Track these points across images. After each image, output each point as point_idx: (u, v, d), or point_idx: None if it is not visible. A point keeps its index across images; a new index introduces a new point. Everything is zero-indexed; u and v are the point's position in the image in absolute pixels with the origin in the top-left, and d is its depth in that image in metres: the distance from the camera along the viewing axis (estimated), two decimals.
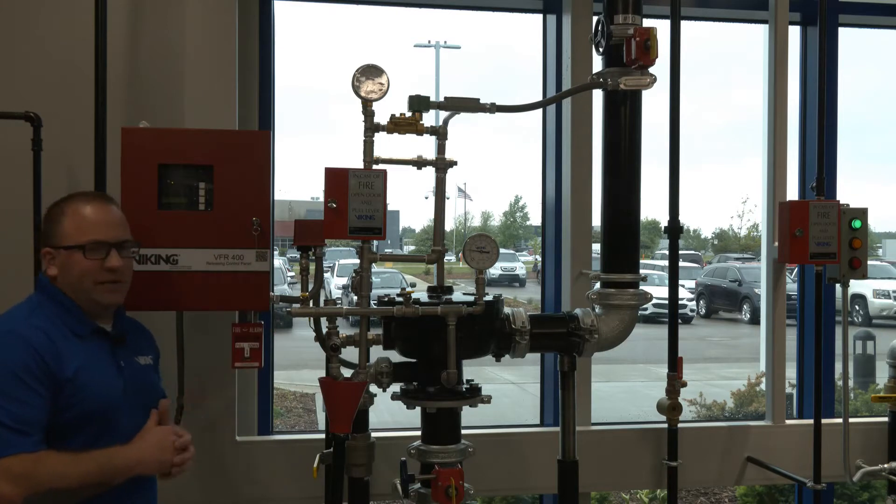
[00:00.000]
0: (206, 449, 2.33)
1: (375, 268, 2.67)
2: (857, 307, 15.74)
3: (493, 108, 2.56)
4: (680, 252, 3.37)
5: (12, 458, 1.81)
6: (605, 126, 2.76)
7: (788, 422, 3.67)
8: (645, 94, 2.74)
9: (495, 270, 22.12)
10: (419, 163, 2.50)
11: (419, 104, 2.48)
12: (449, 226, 22.69)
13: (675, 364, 3.24)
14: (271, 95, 3.42)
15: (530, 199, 39.31)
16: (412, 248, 37.44)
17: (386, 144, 2.49)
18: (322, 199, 2.39)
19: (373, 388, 2.56)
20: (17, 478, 1.80)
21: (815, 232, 3.35)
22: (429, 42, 30.19)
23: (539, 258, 4.50)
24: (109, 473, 1.91)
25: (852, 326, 6.88)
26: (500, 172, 54.91)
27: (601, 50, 2.71)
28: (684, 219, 3.28)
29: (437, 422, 2.52)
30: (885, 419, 3.58)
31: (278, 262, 16.09)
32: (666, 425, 3.34)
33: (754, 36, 3.89)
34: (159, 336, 2.42)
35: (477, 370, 7.13)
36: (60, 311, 2.04)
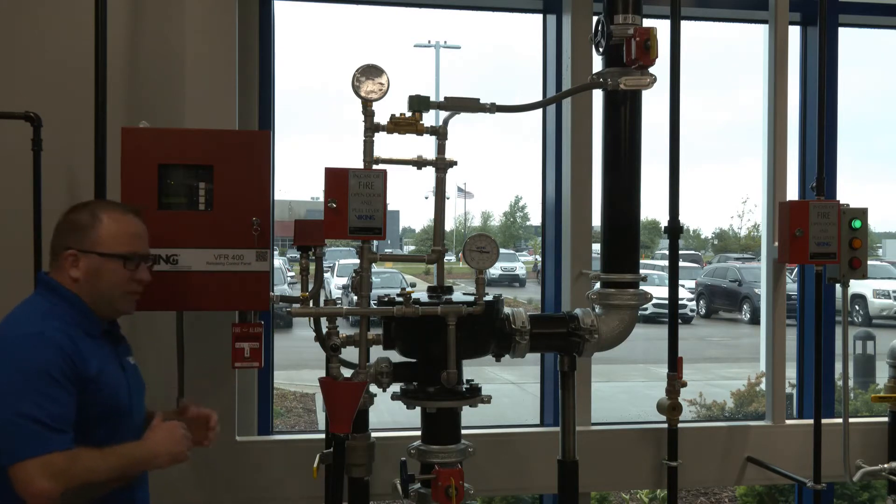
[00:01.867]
0: (206, 449, 2.32)
1: (375, 268, 2.67)
2: (857, 307, 15.72)
3: (493, 108, 2.56)
4: (680, 252, 3.37)
5: (51, 456, 1.85)
6: (605, 126, 2.76)
7: (788, 422, 3.67)
8: (645, 94, 2.74)
9: (495, 270, 22.10)
10: (419, 163, 2.50)
11: (419, 104, 2.48)
12: (449, 226, 22.70)
13: (675, 364, 3.24)
14: (271, 95, 3.42)
15: (530, 199, 39.32)
16: (412, 248, 37.43)
17: (386, 144, 2.49)
18: (322, 199, 2.39)
19: (373, 388, 2.56)
20: (55, 474, 1.83)
21: (815, 232, 3.36)
22: (429, 42, 30.19)
23: (539, 258, 4.50)
24: (131, 467, 1.97)
25: (852, 326, 6.87)
26: (500, 172, 54.92)
27: (601, 50, 2.71)
28: (684, 219, 3.29)
29: (437, 422, 2.52)
30: (885, 419, 3.58)
31: (278, 262, 16.09)
32: (666, 425, 3.34)
33: (754, 36, 3.89)
34: (159, 336, 2.43)
35: (477, 370, 7.12)
36: (73, 312, 2.05)
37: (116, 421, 2.03)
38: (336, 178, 2.37)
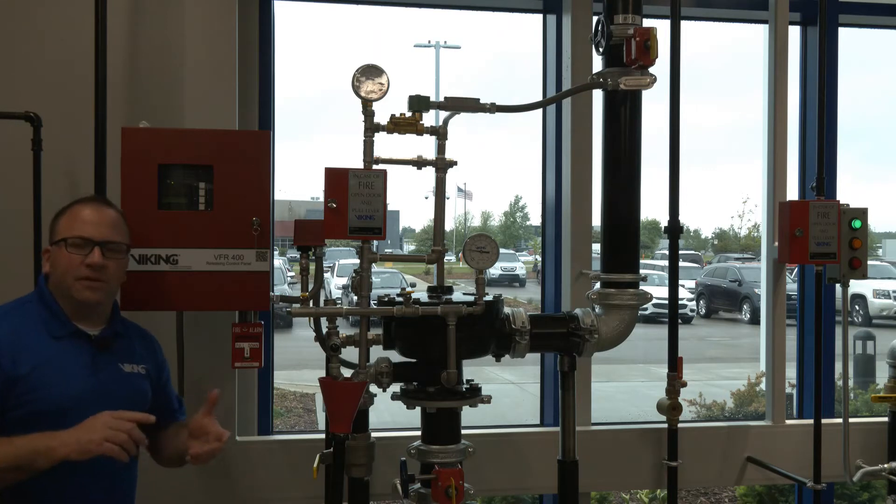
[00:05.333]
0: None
1: (375, 268, 2.67)
2: (857, 307, 15.75)
3: (493, 108, 2.56)
4: (680, 252, 3.37)
5: None
6: (605, 126, 2.76)
7: (788, 422, 3.67)
8: (645, 99, 2.73)
9: (495, 270, 22.13)
10: (419, 163, 2.50)
11: (419, 104, 2.47)
12: (449, 226, 22.70)
13: (675, 364, 3.24)
14: (271, 95, 3.41)
15: (530, 199, 39.39)
16: (412, 248, 37.46)
17: (386, 144, 2.49)
18: (322, 199, 2.39)
19: (373, 388, 2.56)
20: None
21: (815, 232, 3.35)
22: (429, 42, 30.24)
23: (539, 258, 4.49)
24: (27, 456, 1.88)
25: (852, 326, 6.88)
26: (500, 172, 54.99)
27: (601, 50, 2.71)
28: (684, 219, 3.29)
29: (437, 422, 2.52)
30: (885, 419, 3.58)
31: (278, 262, 16.10)
32: (666, 425, 3.34)
33: (754, 36, 3.89)
34: (159, 336, 2.42)
35: (477, 370, 7.13)
36: (43, 310, 2.08)
37: (53, 425, 1.95)
38: (336, 178, 2.37)
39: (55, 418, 1.97)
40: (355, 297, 2.43)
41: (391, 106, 2.46)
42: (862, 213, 3.43)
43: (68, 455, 1.87)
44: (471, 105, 2.54)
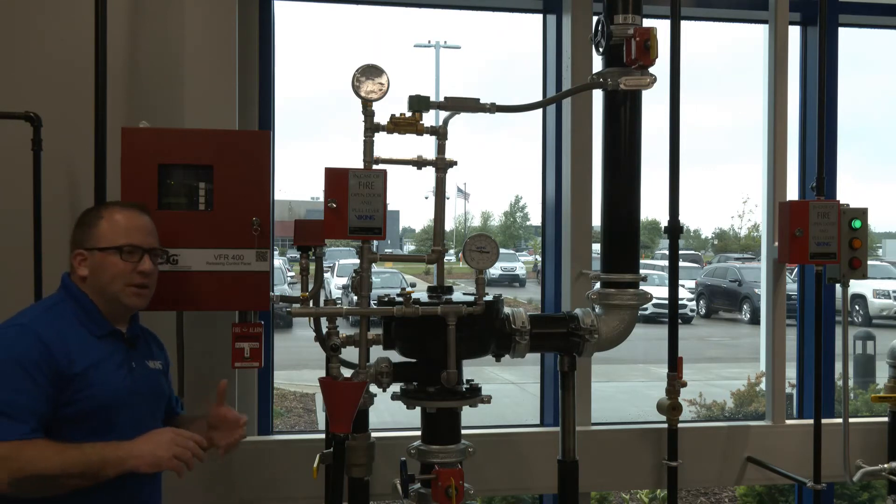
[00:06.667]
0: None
1: (375, 268, 2.67)
2: (857, 307, 15.75)
3: (493, 108, 2.56)
4: (680, 252, 3.37)
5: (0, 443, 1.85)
6: (605, 126, 2.76)
7: (788, 422, 3.67)
8: (645, 100, 2.73)
9: (495, 270, 22.11)
10: (419, 163, 2.50)
11: (419, 104, 2.47)
12: (449, 226, 22.69)
13: (675, 364, 3.24)
14: (271, 95, 3.42)
15: (530, 199, 39.37)
16: (412, 248, 37.46)
17: (386, 144, 2.49)
18: (322, 199, 2.39)
19: (373, 388, 2.56)
20: (1, 460, 1.84)
21: (815, 232, 3.36)
22: (429, 42, 30.22)
23: (539, 258, 4.49)
24: (97, 464, 1.91)
25: (852, 326, 6.88)
26: (500, 172, 54.98)
27: (601, 50, 2.71)
28: (684, 219, 3.29)
29: (437, 422, 2.52)
30: (885, 419, 3.58)
31: (278, 262, 16.10)
32: (666, 425, 3.34)
33: (753, 36, 3.89)
34: (159, 336, 2.43)
35: (477, 370, 7.13)
36: (79, 310, 2.10)
37: (100, 421, 2.01)
38: (336, 178, 2.37)
39: (105, 415, 2.03)
40: (355, 297, 2.43)
41: (391, 106, 2.46)
42: (862, 213, 3.43)
43: (138, 467, 1.93)
44: (471, 105, 2.54)
